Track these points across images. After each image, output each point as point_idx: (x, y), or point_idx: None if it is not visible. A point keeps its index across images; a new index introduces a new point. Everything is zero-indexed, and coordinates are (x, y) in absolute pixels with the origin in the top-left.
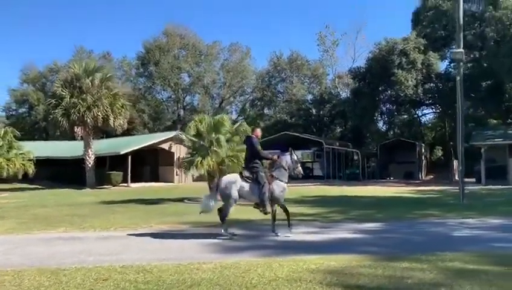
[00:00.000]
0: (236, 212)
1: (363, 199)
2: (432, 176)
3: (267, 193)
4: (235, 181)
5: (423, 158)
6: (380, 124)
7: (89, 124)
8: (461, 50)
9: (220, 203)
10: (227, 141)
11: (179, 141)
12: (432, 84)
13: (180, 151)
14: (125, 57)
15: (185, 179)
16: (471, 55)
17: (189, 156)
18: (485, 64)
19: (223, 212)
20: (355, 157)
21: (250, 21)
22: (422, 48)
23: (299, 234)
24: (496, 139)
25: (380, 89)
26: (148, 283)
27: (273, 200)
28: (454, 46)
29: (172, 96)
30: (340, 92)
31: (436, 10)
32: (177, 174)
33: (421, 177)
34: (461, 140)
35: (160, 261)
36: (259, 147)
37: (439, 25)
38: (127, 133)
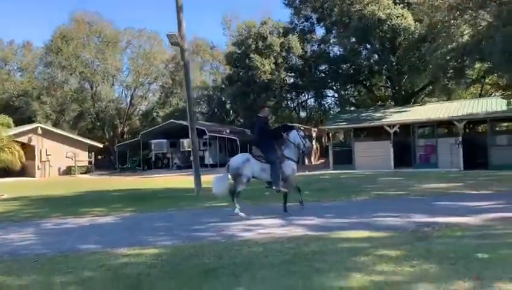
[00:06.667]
0: None
1: (116, 192)
2: (322, 161)
3: (278, 172)
4: (247, 160)
5: (314, 143)
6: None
7: None
8: (175, 33)
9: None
10: None
11: (42, 134)
12: (306, 68)
13: (42, 145)
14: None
15: (49, 173)
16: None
17: None
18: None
19: (234, 192)
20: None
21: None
22: (282, 31)
23: None
24: (341, 123)
25: (249, 74)
26: None
27: (284, 179)
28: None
29: (83, 87)
30: None
31: None
32: (38, 169)
33: (311, 161)
34: (192, 126)
35: None
36: (270, 126)
37: (308, 6)
38: None
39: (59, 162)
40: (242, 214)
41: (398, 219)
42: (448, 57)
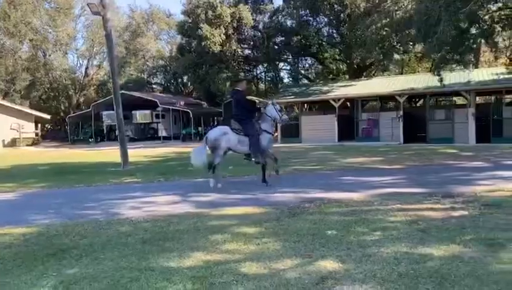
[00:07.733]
0: None
1: (44, 166)
2: (277, 134)
3: (257, 144)
4: (225, 133)
5: None
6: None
7: None
8: (95, 3)
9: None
10: None
11: None
12: (260, 40)
13: None
14: None
15: None
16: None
17: None
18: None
19: (211, 165)
20: (218, 118)
21: None
22: (233, 1)
23: None
24: (289, 97)
25: (201, 45)
26: None
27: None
28: None
29: (35, 55)
30: None
31: None
32: None
33: None
34: (117, 99)
35: None
36: (247, 100)
37: None
38: None
39: (3, 134)
40: (212, 185)
41: (292, 194)
42: (384, 32)
